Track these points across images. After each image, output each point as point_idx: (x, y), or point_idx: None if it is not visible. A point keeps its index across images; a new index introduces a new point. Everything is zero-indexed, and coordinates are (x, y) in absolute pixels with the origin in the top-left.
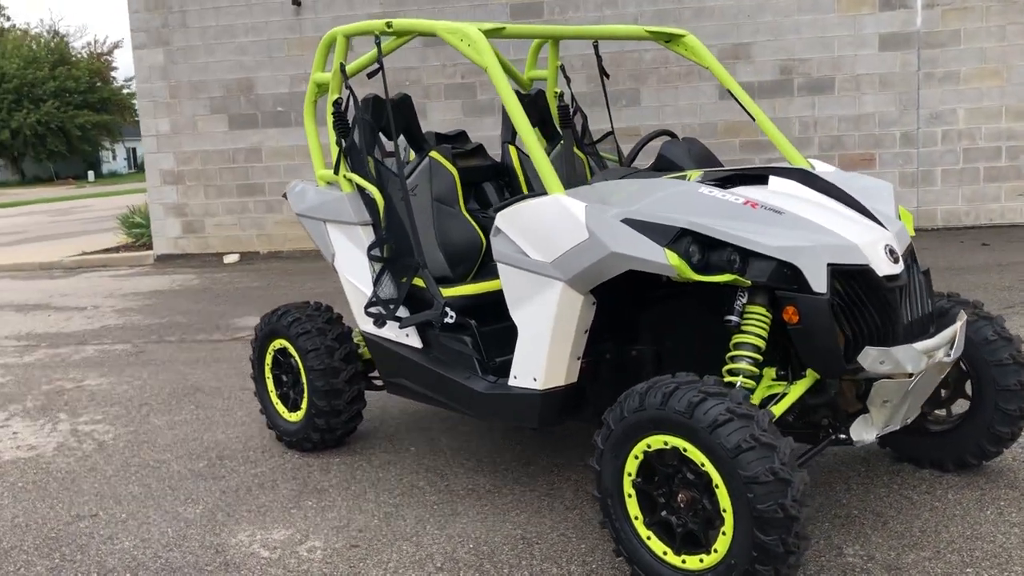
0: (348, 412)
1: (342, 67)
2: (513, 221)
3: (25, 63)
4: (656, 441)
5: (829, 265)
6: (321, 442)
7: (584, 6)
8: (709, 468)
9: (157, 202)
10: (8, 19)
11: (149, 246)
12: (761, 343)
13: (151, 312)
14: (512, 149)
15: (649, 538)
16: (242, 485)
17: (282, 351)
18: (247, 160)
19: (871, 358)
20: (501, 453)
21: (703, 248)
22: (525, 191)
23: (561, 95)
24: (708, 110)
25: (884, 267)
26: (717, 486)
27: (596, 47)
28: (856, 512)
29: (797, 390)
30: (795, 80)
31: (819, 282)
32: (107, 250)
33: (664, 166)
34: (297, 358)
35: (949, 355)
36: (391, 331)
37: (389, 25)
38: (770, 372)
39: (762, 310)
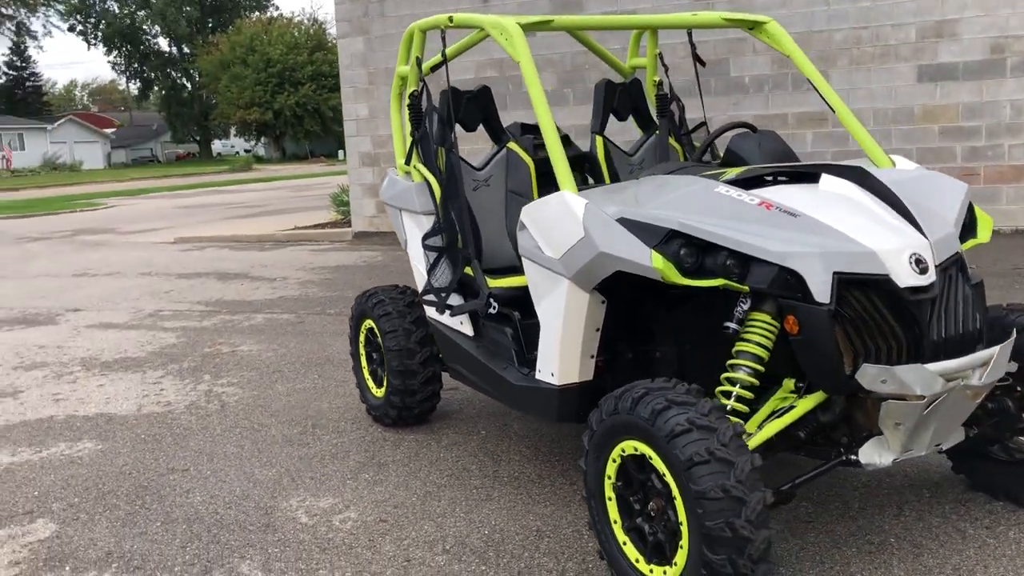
0: (423, 392)
1: (418, 60)
2: (533, 216)
3: (287, 49)
4: (628, 446)
5: (836, 273)
6: (399, 418)
7: None
8: (668, 478)
9: (356, 183)
10: (276, 8)
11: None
12: (762, 352)
13: (328, 285)
14: (599, 140)
15: (625, 543)
16: (319, 453)
17: (371, 330)
18: None
19: (870, 376)
20: (561, 443)
21: (698, 251)
22: (608, 182)
23: (660, 83)
24: (904, 93)
25: (906, 277)
26: (675, 497)
27: (690, 34)
28: (893, 540)
29: (805, 404)
30: (1008, 60)
31: (822, 291)
32: (317, 225)
33: (731, 161)
34: (380, 338)
35: (981, 379)
36: (448, 317)
37: (451, 19)
38: (788, 383)
39: (767, 318)
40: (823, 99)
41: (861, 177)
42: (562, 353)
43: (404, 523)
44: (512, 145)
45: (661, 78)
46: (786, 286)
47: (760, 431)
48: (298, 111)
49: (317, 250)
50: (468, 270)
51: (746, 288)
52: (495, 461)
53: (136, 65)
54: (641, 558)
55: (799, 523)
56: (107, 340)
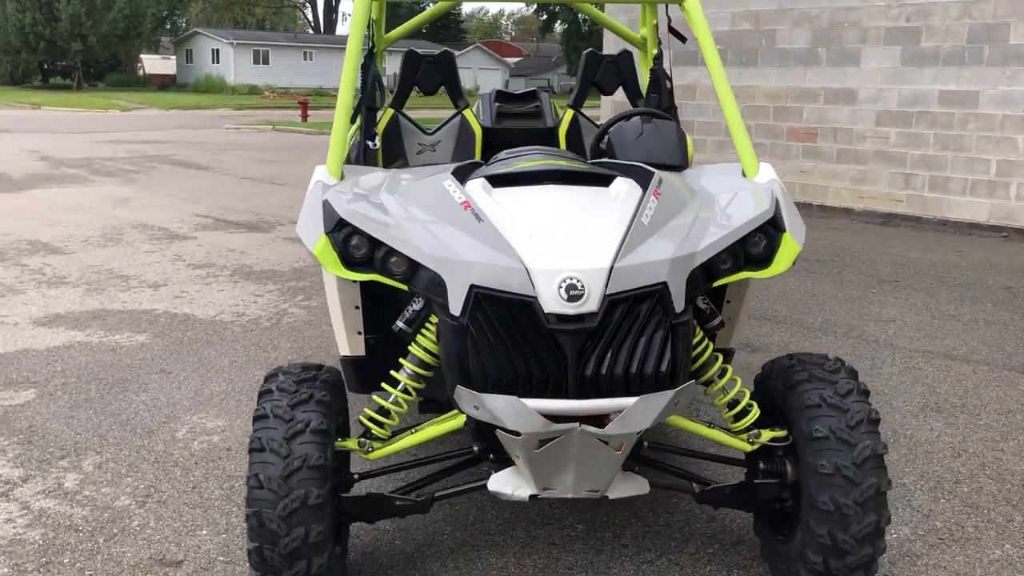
0: None
1: (370, 23)
2: None
3: None
4: None
5: (474, 287)
6: None
7: None
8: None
9: None
10: None
11: None
12: (428, 358)
13: None
14: (568, 113)
15: None
16: None
17: None
18: None
19: (463, 399)
20: None
21: (370, 242)
22: None
23: (658, 58)
24: None
25: (551, 303)
26: None
27: (666, 8)
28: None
29: (460, 419)
30: None
31: (456, 303)
32: None
33: (605, 151)
34: None
35: (607, 428)
36: None
37: None
38: None
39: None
40: (715, 88)
41: (650, 184)
42: (335, 326)
43: (240, 459)
44: (467, 112)
45: (661, 51)
46: (438, 292)
47: (407, 437)
48: None
49: None
50: None
51: (404, 287)
52: None
53: None
54: None
55: (542, 544)
56: (279, 253)
